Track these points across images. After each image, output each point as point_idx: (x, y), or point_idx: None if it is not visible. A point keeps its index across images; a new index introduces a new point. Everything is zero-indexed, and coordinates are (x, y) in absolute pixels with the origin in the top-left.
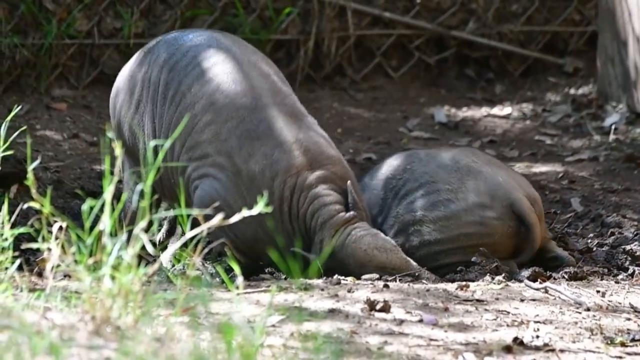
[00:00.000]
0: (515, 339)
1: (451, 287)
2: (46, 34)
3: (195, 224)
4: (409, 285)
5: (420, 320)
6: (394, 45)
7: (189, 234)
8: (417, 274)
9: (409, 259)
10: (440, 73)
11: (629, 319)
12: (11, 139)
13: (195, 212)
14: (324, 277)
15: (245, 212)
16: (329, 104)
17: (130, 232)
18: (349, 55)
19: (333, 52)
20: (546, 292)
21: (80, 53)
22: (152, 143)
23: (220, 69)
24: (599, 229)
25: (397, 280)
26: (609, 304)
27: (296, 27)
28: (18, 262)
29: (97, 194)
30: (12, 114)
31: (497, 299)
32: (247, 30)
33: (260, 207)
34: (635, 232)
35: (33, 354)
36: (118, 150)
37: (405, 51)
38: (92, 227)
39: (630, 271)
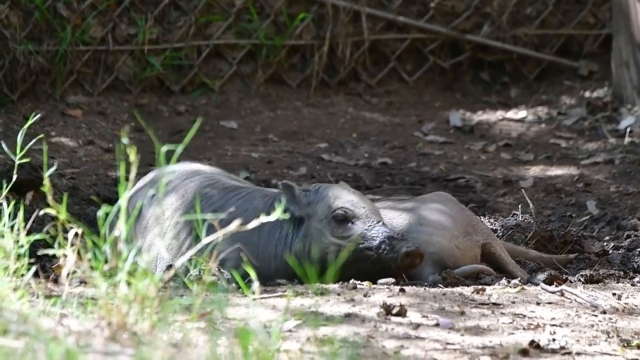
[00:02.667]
0: (532, 342)
1: (467, 290)
2: (61, 41)
3: None
4: (425, 289)
5: (437, 324)
6: (408, 50)
7: (205, 240)
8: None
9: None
10: (455, 77)
11: None
12: (28, 146)
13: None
14: (340, 282)
15: (263, 219)
16: (344, 109)
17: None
18: (364, 60)
19: (347, 57)
20: (562, 295)
21: (94, 59)
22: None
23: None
24: (614, 231)
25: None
26: (625, 307)
27: (310, 33)
28: (34, 268)
29: (112, 200)
30: (29, 122)
31: (513, 302)
32: (261, 36)
33: (278, 214)
34: None
35: None
36: (133, 157)
37: (419, 55)
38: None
39: None
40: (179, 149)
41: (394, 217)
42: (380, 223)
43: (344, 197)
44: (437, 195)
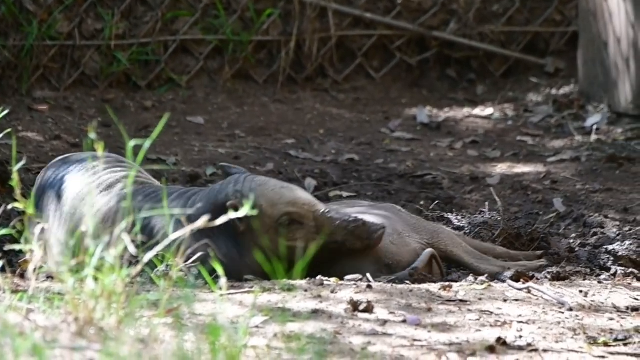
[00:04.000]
0: (499, 339)
1: (434, 287)
2: (27, 36)
3: None
4: (392, 285)
5: (404, 321)
6: (375, 46)
7: (173, 236)
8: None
9: (315, 198)
10: (422, 74)
11: (611, 319)
12: None
13: (178, 212)
14: (308, 278)
15: (232, 215)
16: (310, 105)
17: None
18: (331, 56)
19: (314, 53)
20: (529, 292)
21: (61, 55)
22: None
23: None
24: (581, 229)
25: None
26: (591, 304)
27: (277, 28)
28: (0, 263)
29: None
30: None
31: (480, 299)
32: (228, 32)
33: (246, 210)
34: (617, 232)
35: (16, 356)
36: (100, 152)
37: (386, 52)
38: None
39: (612, 271)
40: (147, 143)
41: None
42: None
43: (283, 200)
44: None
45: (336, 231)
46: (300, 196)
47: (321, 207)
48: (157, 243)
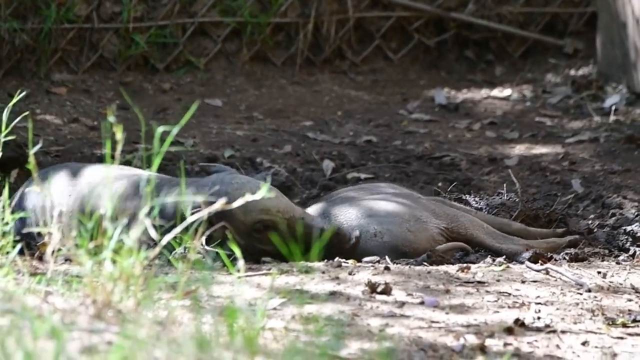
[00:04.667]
0: (517, 320)
1: (452, 269)
2: (45, 19)
3: None
4: (410, 267)
5: (422, 302)
6: (393, 28)
7: (191, 218)
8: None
9: (292, 203)
10: (440, 55)
11: (630, 300)
12: (13, 124)
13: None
14: (325, 260)
15: (248, 197)
16: (328, 87)
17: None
18: (349, 37)
19: (332, 35)
20: (547, 273)
21: (79, 37)
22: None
23: None
24: (599, 210)
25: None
26: (610, 285)
27: (295, 10)
28: (19, 246)
29: None
30: (15, 100)
31: (498, 280)
32: (246, 14)
33: (263, 192)
34: (636, 213)
35: (34, 338)
36: (119, 135)
37: (404, 33)
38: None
39: (631, 252)
40: (175, 130)
41: (342, 212)
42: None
43: (256, 207)
44: (402, 194)
45: (311, 238)
46: (274, 204)
47: (297, 213)
48: (174, 226)
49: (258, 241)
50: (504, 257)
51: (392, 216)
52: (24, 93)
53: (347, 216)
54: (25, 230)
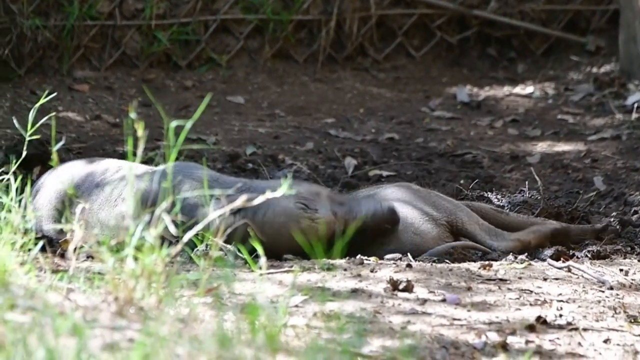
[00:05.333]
0: (539, 318)
1: (474, 266)
2: (68, 16)
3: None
4: (431, 264)
5: (443, 300)
6: (415, 25)
7: (212, 215)
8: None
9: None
10: (462, 52)
11: None
12: (40, 123)
13: (217, 192)
14: (347, 257)
15: (268, 194)
16: (351, 84)
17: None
18: (371, 35)
19: (355, 32)
20: (569, 271)
21: (102, 34)
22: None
23: None
24: (621, 207)
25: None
26: (632, 283)
27: (317, 8)
28: (41, 243)
29: None
30: (42, 100)
31: (520, 278)
32: (268, 11)
33: (283, 189)
34: None
35: (56, 335)
36: (141, 132)
37: (427, 31)
38: None
39: None
40: (188, 124)
41: None
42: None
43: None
44: (396, 186)
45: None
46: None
47: (322, 231)
48: (196, 223)
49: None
50: (525, 254)
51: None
52: (50, 94)
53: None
54: (46, 227)
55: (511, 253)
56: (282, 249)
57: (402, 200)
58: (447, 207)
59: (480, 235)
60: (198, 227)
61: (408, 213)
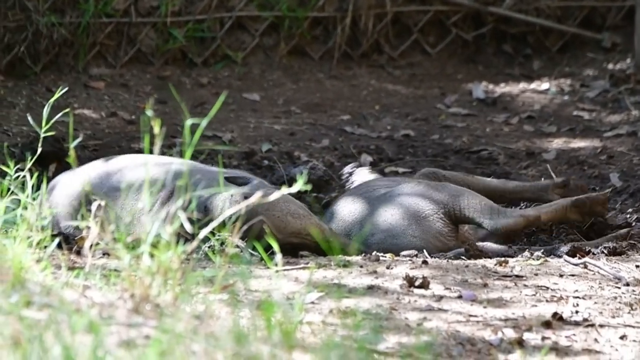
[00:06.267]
0: (555, 314)
1: (490, 263)
2: (84, 13)
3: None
4: (447, 261)
5: (459, 296)
6: (431, 22)
7: (228, 212)
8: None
9: (323, 225)
10: (478, 49)
11: None
12: (55, 119)
13: (234, 191)
14: (363, 254)
15: (284, 190)
16: (366, 81)
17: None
18: (386, 32)
19: (370, 29)
20: (585, 267)
21: (117, 32)
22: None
23: None
24: (637, 203)
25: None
26: None
27: (333, 4)
28: (57, 240)
29: None
30: (56, 95)
31: (536, 274)
32: (283, 8)
33: (299, 186)
34: None
35: (72, 332)
36: (157, 129)
37: (442, 27)
38: None
39: None
40: (204, 122)
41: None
42: None
43: (287, 229)
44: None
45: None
46: (305, 226)
47: (326, 232)
48: (212, 220)
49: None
50: (541, 250)
51: (391, 229)
52: (65, 89)
53: (346, 241)
54: (63, 224)
55: (527, 250)
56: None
57: (397, 200)
58: (445, 195)
59: (479, 218)
60: (213, 224)
61: (404, 214)
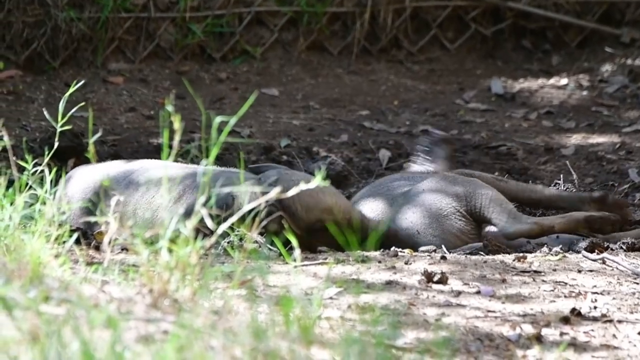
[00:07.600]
0: (573, 310)
1: (508, 258)
2: (102, 8)
3: None
4: (466, 257)
5: (478, 292)
6: (450, 17)
7: (247, 207)
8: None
9: (349, 202)
10: (497, 44)
11: None
12: (70, 113)
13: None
14: (381, 250)
15: (303, 186)
16: (385, 76)
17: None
18: (405, 27)
19: (389, 24)
20: (604, 263)
21: (136, 27)
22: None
23: None
24: None
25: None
26: None
27: (352, 0)
28: (76, 235)
29: None
30: (72, 89)
31: (554, 270)
32: (302, 3)
33: (317, 180)
34: None
35: (91, 328)
36: (177, 124)
37: (461, 23)
38: None
39: None
40: (232, 120)
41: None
42: None
43: (319, 206)
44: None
45: (366, 236)
46: (337, 203)
47: (355, 213)
48: (231, 215)
49: (314, 237)
50: (559, 246)
51: (411, 228)
52: (82, 82)
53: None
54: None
55: (545, 245)
56: None
57: (417, 199)
58: (467, 191)
59: (495, 218)
60: (232, 219)
61: (424, 213)
